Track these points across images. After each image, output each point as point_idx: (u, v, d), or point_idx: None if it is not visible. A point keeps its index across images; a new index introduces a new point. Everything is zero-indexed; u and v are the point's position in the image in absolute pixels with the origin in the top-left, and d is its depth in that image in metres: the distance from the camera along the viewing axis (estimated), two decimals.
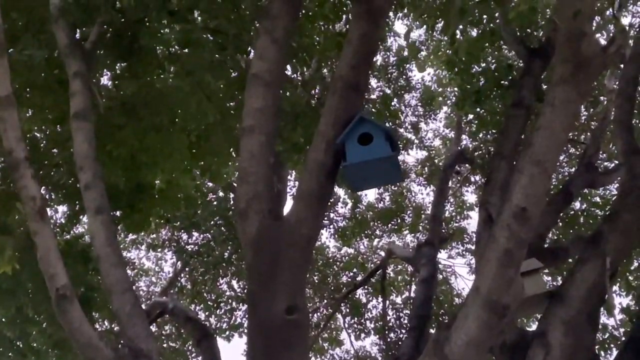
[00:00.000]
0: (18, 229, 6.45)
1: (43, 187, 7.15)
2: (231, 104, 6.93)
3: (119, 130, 6.51)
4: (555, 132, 4.64)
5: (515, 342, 6.55)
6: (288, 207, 5.62)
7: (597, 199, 10.88)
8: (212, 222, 10.77)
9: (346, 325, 12.73)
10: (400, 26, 32.31)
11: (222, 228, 10.74)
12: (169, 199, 7.41)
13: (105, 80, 7.18)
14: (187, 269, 12.04)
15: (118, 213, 7.30)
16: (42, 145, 7.26)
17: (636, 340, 7.44)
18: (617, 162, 9.45)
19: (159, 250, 12.12)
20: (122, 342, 5.10)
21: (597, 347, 8.57)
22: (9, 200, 6.28)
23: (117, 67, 6.74)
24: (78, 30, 5.93)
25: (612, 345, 10.28)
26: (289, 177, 9.71)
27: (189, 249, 11.37)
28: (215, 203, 10.37)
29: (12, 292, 7.97)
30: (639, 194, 6.38)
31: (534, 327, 9.77)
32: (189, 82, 6.49)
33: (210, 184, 9.82)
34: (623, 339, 9.56)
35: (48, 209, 5.82)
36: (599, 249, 6.28)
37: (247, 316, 11.37)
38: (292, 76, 7.68)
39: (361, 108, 5.29)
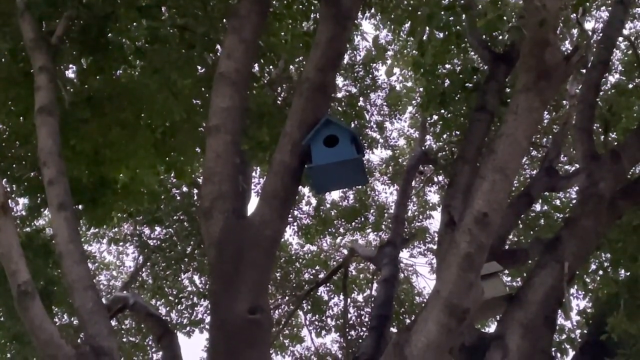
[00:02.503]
0: None
1: (4, 180, 7.09)
2: (198, 102, 6.91)
3: (84, 124, 6.47)
4: (518, 140, 4.72)
5: (474, 344, 6.63)
6: (252, 204, 5.65)
7: (558, 202, 11.02)
8: (174, 217, 10.75)
9: (307, 323, 12.77)
10: (367, 25, 32.35)
11: (185, 223, 10.73)
12: (132, 194, 7.39)
13: (70, 74, 7.12)
14: (148, 263, 11.99)
15: (80, 207, 7.27)
16: (4, 137, 7.19)
17: (592, 343, 7.58)
18: (577, 166, 9.59)
19: (121, 244, 12.06)
20: (83, 339, 5.08)
21: (553, 348, 8.69)
22: None
23: (82, 62, 6.68)
24: (44, 24, 5.88)
25: (568, 347, 10.43)
26: (253, 174, 9.71)
27: (151, 244, 11.34)
28: (178, 198, 10.35)
29: None
30: (597, 201, 6.49)
31: (492, 328, 9.90)
32: (155, 79, 6.47)
33: (174, 180, 9.79)
34: (579, 340, 9.72)
35: (9, 201, 5.77)
36: (557, 254, 6.39)
37: (208, 312, 11.38)
38: (259, 75, 7.70)
39: (327, 110, 5.33)
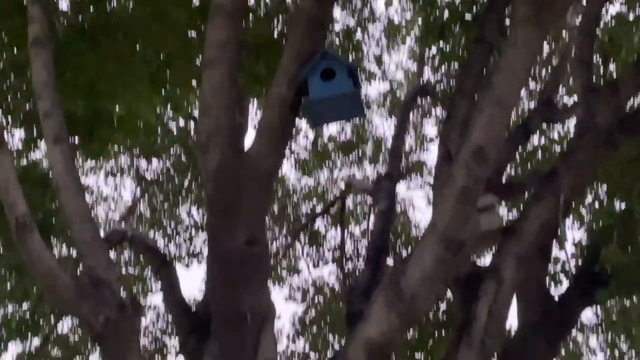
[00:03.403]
0: None
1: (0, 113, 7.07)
2: (193, 34, 6.84)
3: (78, 57, 6.42)
4: (516, 73, 4.70)
5: (469, 275, 6.70)
6: (249, 138, 5.65)
7: (555, 135, 11.02)
8: (171, 151, 10.76)
9: (305, 255, 12.86)
10: None
11: (182, 157, 10.73)
12: (128, 127, 7.35)
13: (64, 5, 7.02)
14: (146, 196, 12.02)
15: (76, 140, 7.25)
16: None
17: (586, 274, 7.67)
18: (575, 98, 9.56)
19: (118, 177, 12.06)
20: (82, 271, 5.14)
21: (547, 279, 8.80)
22: None
23: None
24: None
25: (562, 278, 10.54)
26: (250, 107, 9.67)
27: (148, 177, 11.37)
28: (174, 132, 10.33)
29: None
30: (595, 134, 6.50)
31: (487, 260, 9.99)
32: (149, 10, 6.39)
33: (171, 113, 9.76)
34: (573, 271, 9.83)
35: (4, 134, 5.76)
36: (553, 187, 6.42)
37: (206, 245, 11.45)
38: (256, 7, 7.60)
39: (324, 43, 5.29)
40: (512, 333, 7.80)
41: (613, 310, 9.49)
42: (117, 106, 6.93)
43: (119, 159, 11.46)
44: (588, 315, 10.59)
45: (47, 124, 5.20)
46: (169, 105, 7.66)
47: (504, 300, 6.36)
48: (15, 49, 6.73)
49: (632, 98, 7.46)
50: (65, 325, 10.86)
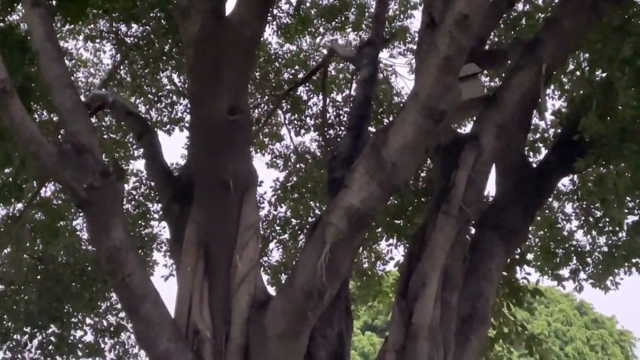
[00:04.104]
0: None
1: None
2: None
3: None
4: None
5: (450, 144, 6.78)
6: (231, 4, 5.55)
7: (540, 1, 10.87)
8: (151, 15, 10.55)
9: (286, 122, 12.89)
10: None
11: (162, 21, 10.54)
12: None
13: None
14: (126, 61, 11.86)
15: (54, 2, 7.08)
16: None
17: (564, 142, 7.76)
18: None
19: (97, 41, 11.85)
20: (64, 137, 5.15)
21: (527, 147, 8.90)
22: None
23: None
24: None
25: (541, 146, 10.66)
26: None
27: (128, 41, 11.18)
28: None
29: None
30: (580, 1, 6.44)
31: (468, 129, 10.03)
32: None
33: None
34: (552, 139, 9.93)
35: None
36: (536, 55, 6.42)
37: (188, 111, 11.46)
38: None
39: None
40: (490, 200, 7.97)
41: (589, 178, 9.63)
42: None
43: (97, 23, 11.23)
44: (564, 182, 10.78)
45: None
46: None
47: (483, 168, 6.47)
48: None
49: None
50: (48, 190, 10.95)
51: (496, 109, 6.49)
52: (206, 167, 5.57)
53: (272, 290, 6.03)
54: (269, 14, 6.75)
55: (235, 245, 5.45)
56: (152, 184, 11.16)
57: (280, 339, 5.15)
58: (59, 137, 8.75)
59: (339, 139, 11.12)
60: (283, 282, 10.40)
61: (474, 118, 7.06)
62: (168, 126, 11.98)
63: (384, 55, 12.04)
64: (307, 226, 11.24)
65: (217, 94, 5.25)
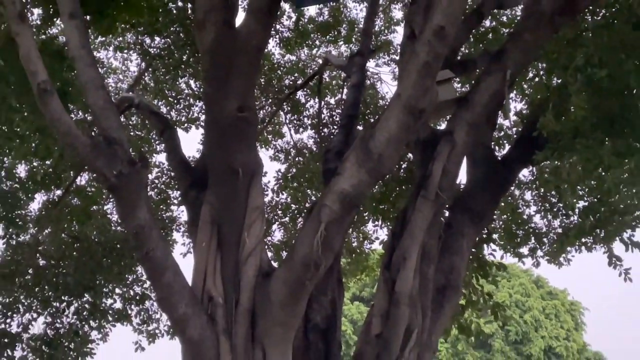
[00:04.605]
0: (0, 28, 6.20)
1: None
2: None
3: None
4: None
5: (427, 139, 6.78)
6: (240, 18, 5.53)
7: (505, 18, 10.86)
8: (172, 29, 10.52)
9: (287, 121, 12.87)
10: None
11: (181, 34, 10.51)
12: (134, 6, 7.14)
13: None
14: (150, 69, 11.84)
15: (88, 18, 7.05)
16: None
17: (525, 139, 7.76)
18: None
19: (125, 52, 11.82)
20: (97, 132, 5.13)
21: (492, 143, 8.89)
22: None
23: None
24: None
25: (505, 142, 10.67)
26: None
27: (152, 52, 11.15)
28: (174, 12, 10.06)
29: None
30: (538, 17, 6.43)
31: (443, 126, 10.03)
32: None
33: None
34: (515, 136, 9.92)
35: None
36: (501, 63, 6.42)
37: (203, 112, 11.45)
38: None
39: None
40: (462, 187, 7.97)
41: (546, 169, 9.63)
42: None
43: (125, 36, 11.20)
44: (524, 173, 10.80)
45: (63, 1, 5.07)
46: None
47: (456, 160, 6.47)
48: None
49: None
50: (83, 178, 10.91)
51: (467, 109, 6.49)
52: (219, 157, 5.56)
53: (275, 265, 6.02)
54: (272, 27, 6.72)
55: (244, 224, 5.45)
56: (172, 173, 11.16)
57: (282, 304, 5.16)
58: (92, 132, 8.71)
59: (332, 136, 11.09)
60: (284, 257, 10.38)
61: (448, 117, 7.05)
62: (186, 124, 11.98)
63: (371, 64, 12.02)
64: (305, 210, 11.25)
65: (228, 94, 5.24)
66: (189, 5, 9.60)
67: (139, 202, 5.03)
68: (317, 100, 12.11)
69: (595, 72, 6.05)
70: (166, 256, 5.16)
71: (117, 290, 11.17)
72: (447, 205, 6.71)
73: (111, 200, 10.91)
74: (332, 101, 12.50)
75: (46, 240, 10.71)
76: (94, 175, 9.40)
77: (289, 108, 12.64)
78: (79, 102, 8.05)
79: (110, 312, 10.97)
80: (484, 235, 9.05)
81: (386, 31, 12.70)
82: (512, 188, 10.70)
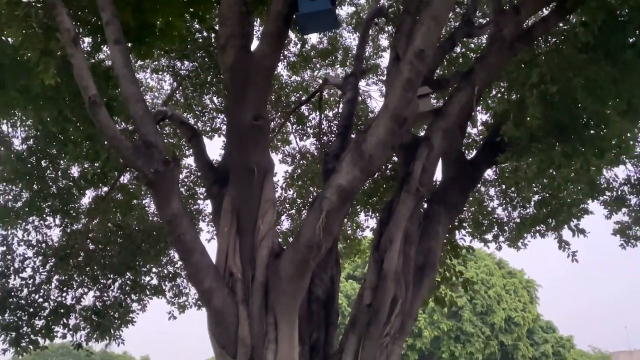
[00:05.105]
0: (57, 53, 6.18)
1: (74, 23, 6.82)
2: None
3: None
4: None
5: (409, 143, 6.77)
6: (255, 44, 5.52)
7: (472, 45, 10.84)
8: (198, 54, 10.51)
9: (293, 131, 12.83)
10: None
11: (206, 59, 10.50)
12: (167, 36, 7.12)
13: None
14: (180, 87, 11.81)
15: (129, 45, 7.03)
16: None
17: (489, 144, 7.76)
18: (488, 19, 9.35)
19: (160, 73, 11.80)
20: (136, 137, 5.11)
21: (463, 147, 8.88)
22: (49, 32, 5.98)
23: None
24: None
25: (473, 147, 10.65)
26: (255, 22, 9.37)
27: (182, 73, 11.15)
28: (200, 40, 10.04)
29: (55, 99, 7.77)
30: (501, 43, 6.43)
31: (422, 133, 10.01)
32: None
33: (197, 26, 9.45)
34: (481, 142, 9.91)
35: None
36: (470, 81, 6.41)
37: (224, 123, 11.44)
38: None
39: None
40: (438, 184, 7.96)
41: (507, 169, 9.63)
42: (158, 20, 6.68)
43: (160, 60, 11.18)
44: (489, 172, 10.78)
45: (109, 30, 5.06)
46: (196, 20, 7.39)
47: (433, 161, 6.46)
48: None
49: (529, 18, 7.29)
50: (126, 177, 10.89)
51: (442, 119, 6.47)
52: (237, 158, 5.54)
53: (284, 247, 5.99)
54: (281, 52, 6.70)
55: (258, 213, 5.43)
56: (198, 173, 11.13)
57: (290, 279, 5.14)
58: (133, 138, 8.68)
59: (330, 142, 11.08)
60: (291, 241, 10.39)
61: (426, 125, 7.03)
62: (210, 133, 11.94)
63: (362, 84, 11.96)
64: (308, 203, 11.23)
65: (245, 106, 5.23)
66: (213, 35, 9.59)
67: (172, 195, 5.02)
68: (318, 113, 12.08)
69: (547, 88, 6.06)
70: (194, 240, 5.14)
71: (154, 270, 11.16)
72: (425, 198, 6.69)
73: (149, 194, 10.88)
74: (331, 114, 12.46)
75: (95, 229, 10.70)
76: (135, 173, 9.38)
77: (294, 120, 12.61)
78: (122, 114, 8.04)
79: (147, 287, 10.96)
80: (456, 224, 9.05)
81: (374, 56, 12.66)
82: (479, 185, 10.68)
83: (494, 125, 8.29)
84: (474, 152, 9.85)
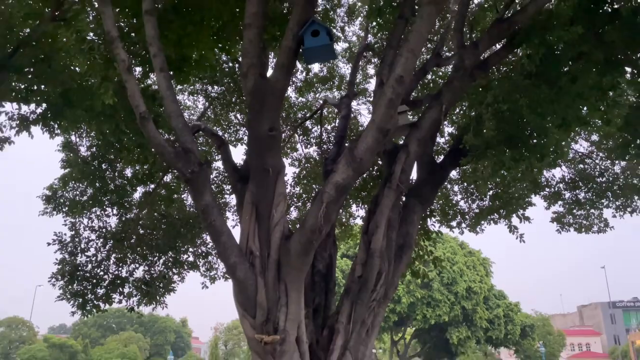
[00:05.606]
0: (115, 79, 6.19)
1: (128, 55, 6.83)
2: (238, 8, 6.49)
3: (171, 22, 6.13)
4: (422, 34, 4.58)
5: (391, 149, 6.77)
6: (269, 72, 5.52)
7: (441, 73, 10.84)
8: (225, 80, 10.50)
9: (299, 140, 12.83)
10: None
11: (231, 84, 10.49)
12: (200, 66, 7.13)
13: None
14: (211, 107, 11.81)
15: (171, 73, 7.03)
16: (124, 32, 6.81)
17: (454, 151, 7.75)
18: (453, 52, 9.34)
19: (195, 95, 11.79)
20: (177, 145, 5.11)
21: (433, 153, 8.87)
22: (109, 62, 5.99)
23: None
24: None
25: (441, 153, 10.64)
26: (270, 55, 9.37)
27: (212, 95, 11.15)
28: (227, 69, 10.04)
29: (112, 116, 7.81)
30: (463, 71, 6.43)
31: (401, 142, 10.00)
32: None
33: (225, 58, 9.45)
34: (448, 148, 9.89)
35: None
36: (439, 100, 6.41)
37: (246, 134, 11.44)
38: None
39: (313, 14, 5.09)
40: (413, 182, 7.96)
41: (468, 170, 9.63)
42: (194, 53, 6.69)
43: (195, 85, 11.18)
44: (454, 173, 10.78)
45: (155, 61, 5.06)
46: (224, 53, 7.39)
47: (410, 163, 6.46)
48: (134, 18, 6.40)
49: (485, 51, 7.29)
50: (168, 177, 10.89)
51: (417, 130, 6.48)
52: (256, 161, 5.52)
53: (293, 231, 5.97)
54: (290, 78, 6.70)
55: (272, 204, 5.42)
56: (225, 174, 11.13)
57: (297, 256, 5.14)
58: (174, 145, 8.68)
59: (329, 150, 11.06)
60: (298, 226, 10.38)
61: (404, 135, 7.03)
62: (234, 142, 11.94)
63: (354, 103, 11.96)
64: (312, 197, 11.22)
65: (262, 120, 5.22)
66: (237, 65, 9.59)
67: (205, 190, 5.03)
68: (319, 126, 12.07)
69: (500, 107, 6.07)
70: (222, 225, 5.15)
71: (190, 249, 11.16)
72: (404, 193, 6.70)
73: (187, 190, 10.88)
74: (329, 127, 12.46)
75: (144, 217, 10.71)
76: (176, 173, 9.38)
77: (301, 132, 12.60)
78: (166, 127, 8.05)
79: (185, 263, 10.97)
80: (428, 213, 9.04)
81: (363, 82, 12.64)
82: (446, 182, 10.69)
83: (457, 135, 8.29)
84: (442, 156, 9.86)
